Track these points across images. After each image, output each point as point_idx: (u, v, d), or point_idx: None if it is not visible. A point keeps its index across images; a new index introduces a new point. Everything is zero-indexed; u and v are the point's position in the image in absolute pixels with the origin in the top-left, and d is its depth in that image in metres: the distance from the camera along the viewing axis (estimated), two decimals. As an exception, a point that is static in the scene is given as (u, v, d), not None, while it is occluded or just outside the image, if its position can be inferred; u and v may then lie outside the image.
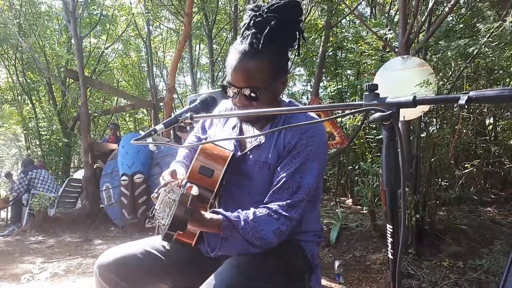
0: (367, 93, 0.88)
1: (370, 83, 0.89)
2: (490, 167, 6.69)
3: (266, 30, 1.30)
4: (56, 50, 11.56)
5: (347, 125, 8.00)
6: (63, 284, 3.40)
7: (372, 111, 0.88)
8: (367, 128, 6.91)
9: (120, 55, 15.04)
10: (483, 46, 3.28)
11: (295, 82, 14.19)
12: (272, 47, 1.32)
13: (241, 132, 1.50)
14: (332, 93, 10.19)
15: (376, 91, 0.88)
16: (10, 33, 10.50)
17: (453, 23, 4.84)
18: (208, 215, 1.22)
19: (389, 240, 0.89)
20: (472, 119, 4.30)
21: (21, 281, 3.30)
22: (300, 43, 1.43)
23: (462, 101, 0.73)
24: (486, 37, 3.22)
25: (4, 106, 13.71)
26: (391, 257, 0.89)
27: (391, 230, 0.88)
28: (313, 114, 1.45)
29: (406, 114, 3.40)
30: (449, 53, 3.69)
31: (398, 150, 0.84)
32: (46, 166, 9.04)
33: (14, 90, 13.13)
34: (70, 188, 8.13)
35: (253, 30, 1.33)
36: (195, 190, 1.13)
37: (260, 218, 1.24)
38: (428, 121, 4.46)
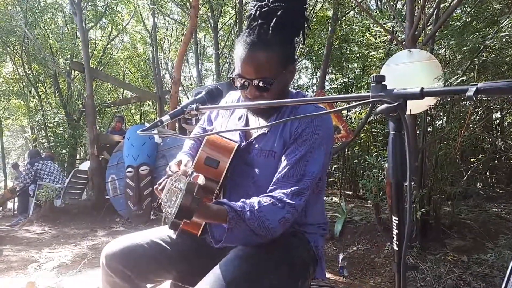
0: (374, 84, 0.87)
1: (377, 75, 0.88)
2: (496, 162, 6.67)
3: (274, 20, 1.29)
4: (61, 42, 11.59)
5: (353, 119, 7.97)
6: (69, 274, 3.44)
7: (379, 103, 0.87)
8: (372, 121, 6.88)
9: (126, 48, 15.04)
10: (496, 40, 3.25)
11: (300, 75, 14.13)
12: (280, 37, 1.31)
13: (247, 122, 1.50)
14: (339, 86, 10.14)
15: (383, 83, 0.87)
16: (16, 25, 10.53)
17: (461, 15, 4.79)
18: (214, 206, 1.20)
19: (395, 232, 0.89)
20: (479, 113, 4.28)
21: (27, 270, 3.34)
22: (306, 31, 1.42)
23: (470, 93, 0.72)
24: (496, 30, 3.18)
25: (11, 98, 13.78)
26: (396, 248, 0.89)
27: (397, 222, 0.88)
28: (320, 106, 1.44)
29: (412, 107, 3.38)
30: (460, 48, 3.65)
31: (405, 142, 0.84)
32: (54, 157, 9.08)
33: (20, 82, 13.20)
34: (76, 179, 8.18)
35: (259, 21, 1.32)
36: (201, 179, 1.12)
37: (265, 207, 1.23)
38: (434, 115, 4.43)
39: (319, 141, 1.31)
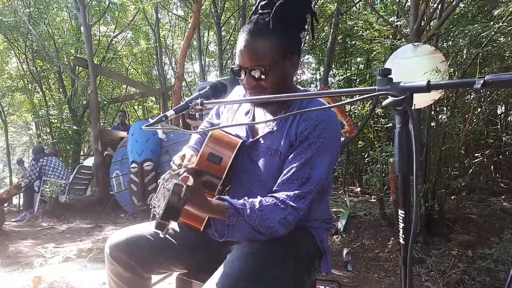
0: (380, 77, 0.87)
1: (383, 68, 0.88)
2: (500, 156, 6.64)
3: (273, 10, 1.29)
4: (65, 38, 11.59)
5: (356, 113, 7.96)
6: (75, 268, 3.47)
7: (384, 97, 0.87)
8: (376, 116, 6.86)
9: (129, 43, 15.03)
10: (496, 32, 3.22)
11: (303, 71, 14.07)
12: (279, 26, 1.30)
13: (254, 118, 1.49)
14: (340, 82, 10.11)
15: (389, 76, 0.87)
16: (20, 21, 10.54)
17: (465, 9, 4.75)
18: (214, 201, 1.22)
19: (401, 225, 0.89)
20: (483, 107, 4.26)
21: (34, 265, 3.37)
22: (314, 26, 1.41)
23: (477, 85, 0.72)
24: (501, 21, 3.16)
25: (15, 94, 13.82)
26: (403, 242, 0.89)
27: (403, 216, 0.88)
28: (326, 104, 1.44)
29: (417, 102, 3.36)
30: (460, 40, 3.64)
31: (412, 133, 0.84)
32: (58, 153, 9.11)
33: (24, 78, 13.22)
34: (80, 175, 8.22)
35: (260, 11, 1.34)
36: (190, 181, 1.13)
37: (267, 207, 1.24)
38: (438, 109, 4.41)
39: (325, 145, 1.30)
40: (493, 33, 3.27)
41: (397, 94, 0.83)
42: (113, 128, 9.66)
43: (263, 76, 1.31)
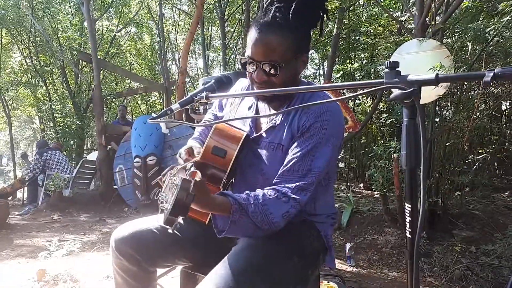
0: (388, 70, 0.86)
1: (390, 61, 0.87)
2: (504, 153, 6.61)
3: (293, 5, 1.27)
4: (68, 33, 11.60)
5: (360, 109, 7.94)
6: (79, 262, 3.49)
7: (390, 91, 0.86)
8: (378, 112, 6.83)
9: (133, 38, 15.02)
10: (501, 27, 3.19)
11: (307, 66, 14.02)
12: (295, 23, 1.28)
13: (257, 112, 1.48)
14: (340, 78, 10.07)
15: (397, 69, 0.86)
16: (23, 15, 10.54)
17: (471, 4, 4.70)
18: (218, 198, 1.19)
19: (408, 219, 0.88)
20: (488, 103, 4.23)
21: (38, 258, 3.39)
22: (323, 23, 1.40)
23: (487, 78, 0.71)
24: (507, 17, 3.13)
25: (19, 89, 13.86)
26: (409, 236, 0.88)
27: (410, 209, 0.88)
28: (330, 96, 1.43)
29: (421, 97, 3.35)
30: (466, 36, 3.61)
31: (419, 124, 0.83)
32: (62, 147, 9.14)
33: (28, 73, 13.25)
34: (84, 169, 8.24)
35: (276, 5, 1.30)
36: (198, 176, 1.12)
37: (270, 200, 1.22)
38: (442, 105, 4.39)
39: (327, 137, 1.28)
40: (498, 28, 3.24)
41: (405, 87, 0.82)
42: (113, 123, 9.67)
43: (274, 72, 1.29)
